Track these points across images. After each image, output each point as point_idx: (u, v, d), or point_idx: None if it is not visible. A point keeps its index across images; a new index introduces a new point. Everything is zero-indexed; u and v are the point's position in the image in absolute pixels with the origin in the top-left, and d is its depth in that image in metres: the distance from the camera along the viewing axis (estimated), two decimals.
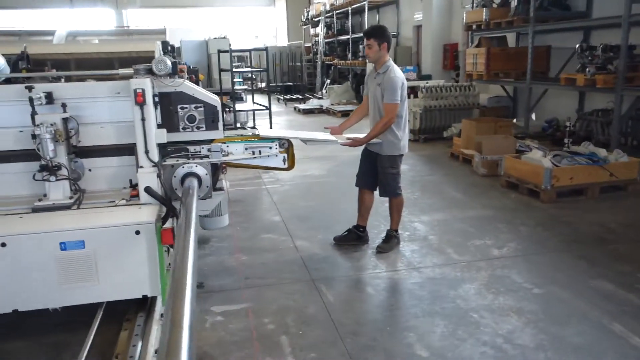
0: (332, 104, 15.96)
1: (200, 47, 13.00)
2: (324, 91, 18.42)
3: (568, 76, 7.51)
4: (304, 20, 23.60)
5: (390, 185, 4.51)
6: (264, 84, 24.19)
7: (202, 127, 3.98)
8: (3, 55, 6.53)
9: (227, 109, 10.95)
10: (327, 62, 20.46)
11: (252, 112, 11.41)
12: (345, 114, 14.25)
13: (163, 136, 3.70)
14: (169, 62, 3.69)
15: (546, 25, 8.63)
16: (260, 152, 4.07)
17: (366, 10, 16.32)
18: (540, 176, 5.85)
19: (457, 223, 5.32)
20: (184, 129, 3.93)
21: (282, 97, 18.80)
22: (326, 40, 20.57)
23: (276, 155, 4.15)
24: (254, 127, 11.37)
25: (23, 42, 9.78)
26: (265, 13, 31.26)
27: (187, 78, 7.27)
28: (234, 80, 15.13)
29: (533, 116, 9.56)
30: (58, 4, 26.08)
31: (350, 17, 17.90)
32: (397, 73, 4.34)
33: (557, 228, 5.11)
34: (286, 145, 4.21)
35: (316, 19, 21.45)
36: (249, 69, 11.99)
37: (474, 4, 10.01)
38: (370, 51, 4.40)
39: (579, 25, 8.38)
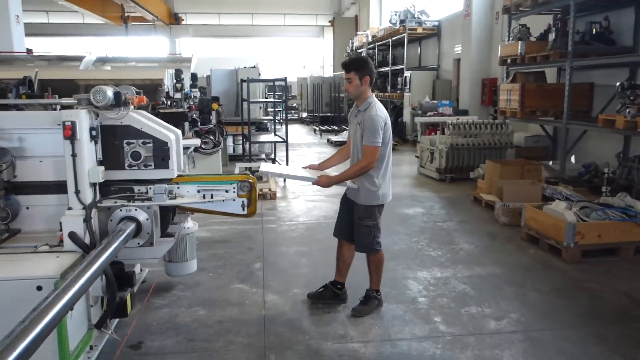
0: None
1: (230, 75, 12.89)
2: None
3: (607, 117, 6.69)
4: (349, 51, 23.40)
5: (365, 240, 3.91)
6: (304, 114, 24.09)
7: (151, 165, 3.56)
8: (11, 79, 6.42)
9: (245, 140, 10.65)
10: None
11: (273, 144, 11.04)
12: None
13: (98, 175, 3.29)
14: (109, 93, 3.31)
15: (586, 61, 7.84)
16: (212, 196, 3.58)
17: (406, 42, 15.84)
18: (562, 231, 5.07)
19: (457, 283, 4.62)
20: (129, 166, 3.52)
21: (318, 128, 18.44)
22: None
23: (233, 200, 3.66)
24: (274, 160, 11.00)
25: (52, 67, 9.85)
26: (314, 44, 31.43)
27: (188, 107, 7.02)
28: (269, 110, 15.00)
29: (572, 159, 8.68)
30: (115, 33, 27.02)
31: (391, 49, 17.47)
32: (379, 111, 3.80)
33: (575, 296, 4.33)
34: (248, 188, 3.72)
35: (359, 51, 21.17)
36: (269, 100, 11.61)
37: (510, 37, 9.32)
38: (350, 86, 3.87)
39: (624, 61, 7.55)
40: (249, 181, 3.73)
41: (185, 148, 6.59)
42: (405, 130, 15.09)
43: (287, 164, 9.55)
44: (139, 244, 3.50)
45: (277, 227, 6.48)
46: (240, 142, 11.75)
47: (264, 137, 10.91)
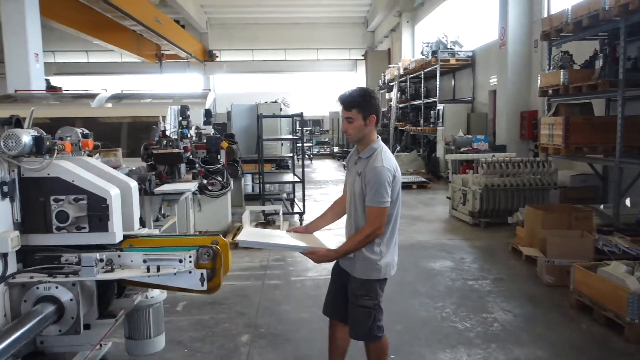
0: None
1: (251, 111, 12.30)
2: None
3: None
4: (381, 84, 22.76)
5: (362, 324, 3.00)
6: (336, 149, 23.41)
7: (85, 228, 2.80)
8: None
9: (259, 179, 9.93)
10: (399, 128, 19.23)
11: (291, 184, 10.26)
12: (407, 185, 12.77)
13: (6, 242, 2.56)
14: (24, 138, 2.59)
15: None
16: (158, 268, 2.78)
17: (438, 74, 15.01)
18: (623, 302, 4.04)
19: None
20: (57, 229, 2.77)
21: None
22: (399, 105, 19.42)
23: (189, 272, 2.85)
24: (292, 201, 10.21)
25: (64, 105, 9.48)
26: (347, 78, 31.01)
27: (184, 147, 6.33)
28: (298, 145, 14.32)
29: (627, 202, 7.54)
30: (150, 71, 27.30)
31: (423, 82, 16.67)
32: (387, 161, 2.93)
33: None
34: (210, 255, 2.91)
35: (391, 84, 20.48)
36: (284, 137, 10.90)
37: (551, 66, 8.37)
38: (350, 126, 2.98)
39: None
40: (212, 247, 2.93)
41: (177, 194, 5.91)
42: (438, 167, 14.13)
43: (302, 209, 8.74)
44: (60, 331, 2.73)
45: (281, 284, 5.62)
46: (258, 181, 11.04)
47: (282, 177, 10.16)
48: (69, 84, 22.01)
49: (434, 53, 15.07)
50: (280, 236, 3.29)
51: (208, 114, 9.00)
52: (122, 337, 3.61)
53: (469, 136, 12.35)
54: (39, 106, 8.98)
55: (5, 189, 2.61)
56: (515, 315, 4.65)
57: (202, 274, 2.85)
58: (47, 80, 17.06)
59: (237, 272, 5.93)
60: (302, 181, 8.77)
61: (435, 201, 10.84)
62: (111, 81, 28.90)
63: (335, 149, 23.36)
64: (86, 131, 3.32)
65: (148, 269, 2.74)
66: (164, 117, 6.56)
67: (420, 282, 5.61)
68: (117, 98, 10.50)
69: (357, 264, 2.99)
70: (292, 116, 10.15)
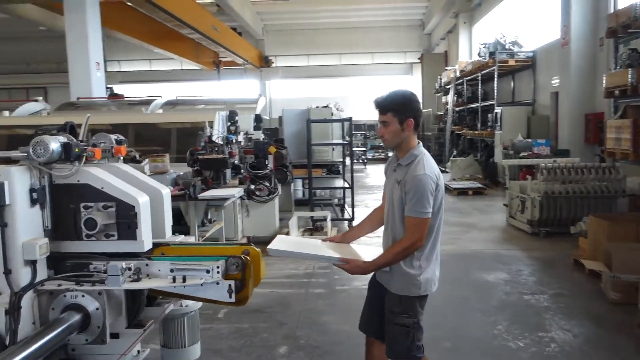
0: (452, 179, 14.09)
1: (302, 116, 12.22)
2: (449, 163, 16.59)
3: None
4: (437, 88, 22.26)
5: (400, 343, 2.79)
6: (391, 153, 23.06)
7: (113, 236, 2.76)
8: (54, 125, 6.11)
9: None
10: (456, 132, 18.68)
11: (342, 190, 10.09)
12: (462, 192, 12.33)
13: (34, 250, 2.53)
14: (52, 145, 2.57)
15: None
16: (184, 279, 2.69)
17: (495, 75, 14.44)
18: None
19: None
20: (87, 236, 2.74)
21: None
22: (456, 109, 18.87)
23: (217, 283, 2.74)
24: (343, 206, 10.03)
25: (120, 112, 9.76)
26: (403, 81, 30.56)
27: (242, 150, 6.26)
28: (355, 149, 14.16)
29: None
30: (209, 78, 27.97)
31: (480, 84, 16.10)
32: (428, 169, 2.71)
33: None
34: (239, 267, 2.80)
35: (447, 87, 19.96)
36: (333, 142, 10.69)
37: (617, 65, 7.79)
38: (386, 131, 2.79)
39: None
40: (241, 257, 2.81)
41: (221, 199, 5.88)
42: (496, 172, 13.56)
43: (351, 215, 8.55)
44: (86, 340, 2.68)
45: (324, 293, 5.47)
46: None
47: (332, 182, 10.02)
48: (132, 91, 22.92)
49: (491, 54, 14.51)
50: (314, 245, 3.13)
51: (258, 119, 8.98)
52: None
53: (529, 140, 11.76)
54: (98, 113, 9.31)
55: (35, 195, 2.59)
56: (575, 336, 4.28)
57: (230, 285, 2.74)
58: (110, 88, 17.75)
59: (281, 279, 5.83)
60: (351, 187, 8.60)
61: (492, 208, 10.38)
62: (172, 88, 29.82)
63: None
64: (120, 137, 3.28)
65: (174, 279, 2.66)
66: (210, 123, 6.58)
67: (472, 295, 5.31)
68: (171, 104, 10.74)
69: (395, 279, 2.79)
70: (341, 120, 10.01)
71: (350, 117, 9.12)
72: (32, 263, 2.57)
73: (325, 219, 7.94)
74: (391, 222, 2.84)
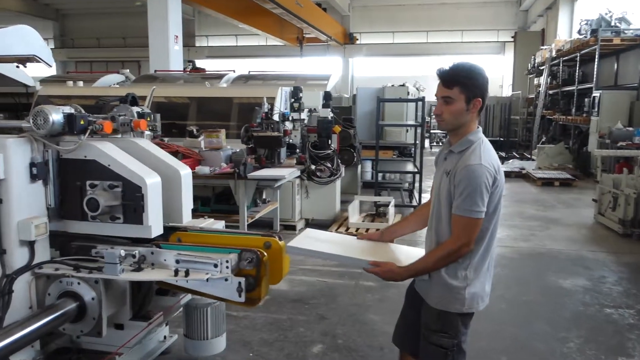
0: (537, 167, 13.00)
1: (377, 95, 11.70)
2: (536, 150, 15.37)
3: None
4: (529, 68, 20.67)
5: None
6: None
7: (119, 218, 2.51)
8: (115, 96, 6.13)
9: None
10: (547, 117, 17.25)
11: (412, 174, 9.50)
12: (548, 182, 11.30)
13: (29, 229, 2.34)
14: (53, 116, 2.34)
15: None
16: (187, 273, 2.39)
17: (597, 56, 13.01)
18: None
19: None
20: (92, 217, 2.52)
21: None
22: (549, 92, 17.40)
23: (225, 280, 2.42)
24: (411, 192, 9.46)
25: (194, 84, 9.74)
26: (494, 61, 28.81)
27: (304, 128, 5.94)
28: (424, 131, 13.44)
29: None
30: (291, 54, 27.91)
31: (579, 65, 14.64)
32: (485, 159, 2.20)
33: None
34: (253, 262, 2.47)
35: (541, 68, 18.43)
36: (406, 124, 10.03)
37: None
38: (447, 109, 2.27)
39: None
40: (257, 252, 2.47)
41: (272, 180, 5.58)
42: (589, 163, 12.31)
43: (418, 201, 7.99)
44: (82, 331, 2.47)
45: (375, 287, 5.05)
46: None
47: (401, 165, 9.48)
48: (218, 66, 23.30)
49: (593, 32, 13.06)
50: (346, 244, 2.71)
51: (327, 96, 8.56)
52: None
53: (630, 129, 10.49)
54: (166, 86, 9.33)
55: (35, 170, 2.40)
56: None
57: (240, 283, 2.42)
58: (192, 62, 18.02)
59: (331, 267, 5.47)
60: (420, 171, 8.03)
61: (580, 202, 9.37)
62: (256, 64, 30.12)
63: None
64: (145, 110, 3.04)
65: (176, 272, 2.37)
66: (269, 99, 6.29)
67: (541, 303, 4.68)
68: (243, 78, 10.63)
69: (434, 290, 2.33)
70: (413, 100, 9.37)
71: (424, 98, 8.49)
72: (29, 244, 2.38)
73: (388, 205, 7.45)
74: (436, 222, 2.36)
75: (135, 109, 2.97)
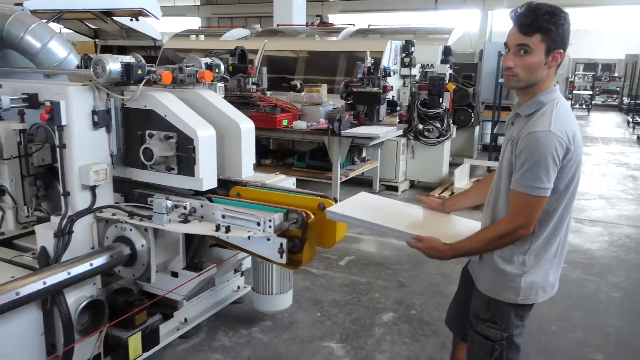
0: None
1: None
2: None
3: None
4: None
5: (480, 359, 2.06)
6: (626, 100, 19.34)
7: (174, 169, 2.54)
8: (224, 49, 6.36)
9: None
10: None
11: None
12: None
13: (88, 175, 2.45)
14: (110, 65, 2.39)
15: None
16: (227, 229, 2.34)
17: None
18: None
19: None
20: (151, 167, 2.57)
21: (631, 120, 14.32)
22: None
23: (268, 240, 2.35)
24: None
25: (311, 39, 9.71)
26: None
27: (415, 85, 5.67)
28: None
29: None
30: (425, 7, 26.71)
31: None
32: (558, 124, 1.80)
33: None
34: (298, 223, 2.36)
35: None
36: None
37: None
38: (521, 61, 1.84)
39: None
40: (302, 213, 2.35)
41: (367, 138, 5.36)
42: None
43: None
44: (134, 275, 2.56)
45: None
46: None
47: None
48: (351, 20, 23.04)
49: None
50: (398, 212, 2.44)
51: (447, 51, 8.00)
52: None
53: None
54: (284, 39, 9.37)
55: (96, 118, 2.47)
56: None
57: (282, 243, 2.33)
58: (320, 17, 17.99)
59: None
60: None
61: None
62: (389, 18, 29.33)
63: (625, 100, 19.30)
64: (217, 61, 3.00)
65: (217, 227, 2.33)
66: (376, 53, 5.99)
67: None
68: (362, 32, 10.35)
69: (485, 274, 2.03)
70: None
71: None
72: (91, 188, 2.49)
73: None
74: (494, 197, 2.03)
75: (205, 60, 2.93)
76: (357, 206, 2.36)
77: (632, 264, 4.67)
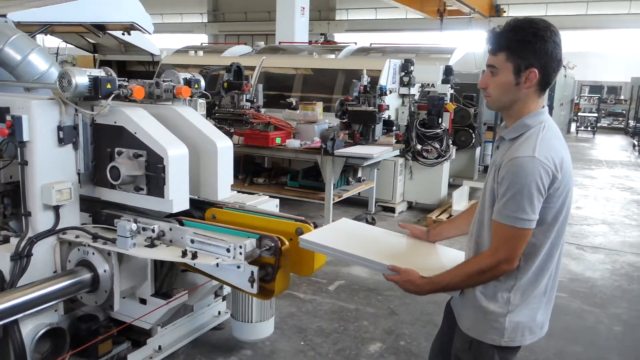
0: None
1: None
2: None
3: None
4: None
5: None
6: (632, 122, 19.16)
7: (143, 190, 2.39)
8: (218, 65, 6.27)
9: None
10: None
11: None
12: None
13: (50, 194, 2.30)
14: (76, 79, 2.26)
15: None
16: (194, 255, 2.18)
17: None
18: None
19: None
20: (118, 186, 2.43)
21: (637, 143, 14.12)
22: None
23: (238, 267, 2.18)
24: None
25: (307, 56, 9.61)
26: None
27: (414, 104, 5.52)
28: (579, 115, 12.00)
29: None
30: (431, 28, 26.76)
31: None
32: (541, 150, 1.65)
33: None
34: (271, 250, 2.20)
35: None
36: None
37: None
38: (492, 82, 1.76)
39: None
40: (276, 239, 2.19)
41: (361, 158, 5.21)
42: None
43: None
44: (96, 303, 2.40)
45: None
46: None
47: None
48: (359, 39, 23.10)
49: None
50: (378, 241, 2.27)
51: (448, 71, 7.90)
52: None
53: None
54: (282, 57, 9.31)
55: (61, 134, 2.34)
56: None
57: (252, 272, 2.16)
58: (325, 35, 17.98)
59: None
60: None
61: None
62: (394, 37, 29.41)
63: (631, 123, 19.12)
64: (197, 76, 2.87)
65: (184, 254, 2.17)
66: (371, 72, 5.86)
67: None
68: (364, 51, 10.28)
69: (467, 313, 1.86)
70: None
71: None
72: (54, 208, 2.35)
73: None
74: (477, 226, 1.87)
75: (184, 75, 2.81)
76: (335, 234, 2.20)
77: (634, 294, 4.47)
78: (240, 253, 2.15)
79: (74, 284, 2.29)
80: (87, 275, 2.32)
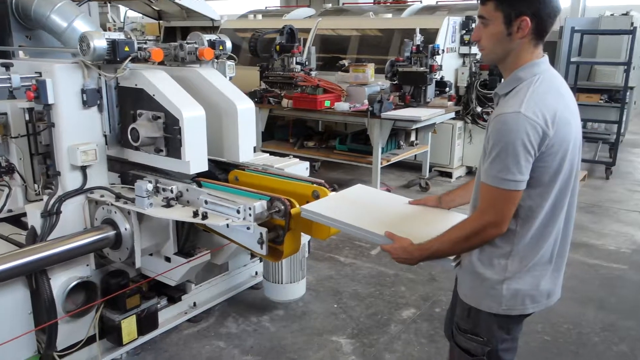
0: None
1: (592, 26, 9.82)
2: None
3: None
4: None
5: None
6: None
7: (162, 151, 2.45)
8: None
9: None
10: None
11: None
12: None
13: (76, 155, 2.40)
14: (95, 42, 2.31)
15: None
16: (204, 216, 2.20)
17: None
18: None
19: None
20: (138, 147, 2.50)
21: None
22: None
23: (247, 229, 2.19)
24: (612, 142, 7.81)
25: (365, 17, 9.34)
26: None
27: (477, 64, 5.32)
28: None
29: None
30: None
31: None
32: (529, 105, 1.49)
33: None
34: (281, 212, 2.18)
35: None
36: (610, 62, 8.05)
37: None
38: (483, 33, 1.61)
39: None
40: (286, 202, 2.17)
41: (409, 121, 5.01)
42: None
43: (612, 160, 6.56)
44: (120, 259, 2.51)
45: None
46: None
47: (600, 113, 7.86)
48: None
49: None
50: (387, 210, 2.15)
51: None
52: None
53: None
54: (340, 18, 9.08)
55: (85, 97, 2.42)
56: None
57: (261, 233, 2.17)
58: None
59: None
60: (619, 121, 6.53)
61: None
62: None
63: None
64: (222, 38, 2.85)
65: (195, 214, 2.21)
66: (427, 31, 5.58)
67: None
68: (429, 9, 9.84)
69: (464, 279, 1.77)
70: (620, 32, 7.55)
71: (635, 29, 6.72)
72: (81, 169, 2.45)
73: None
74: (475, 190, 1.75)
75: (209, 36, 2.80)
76: (341, 203, 2.13)
77: None
78: (250, 215, 2.15)
79: (98, 240, 2.40)
80: (110, 233, 2.43)
